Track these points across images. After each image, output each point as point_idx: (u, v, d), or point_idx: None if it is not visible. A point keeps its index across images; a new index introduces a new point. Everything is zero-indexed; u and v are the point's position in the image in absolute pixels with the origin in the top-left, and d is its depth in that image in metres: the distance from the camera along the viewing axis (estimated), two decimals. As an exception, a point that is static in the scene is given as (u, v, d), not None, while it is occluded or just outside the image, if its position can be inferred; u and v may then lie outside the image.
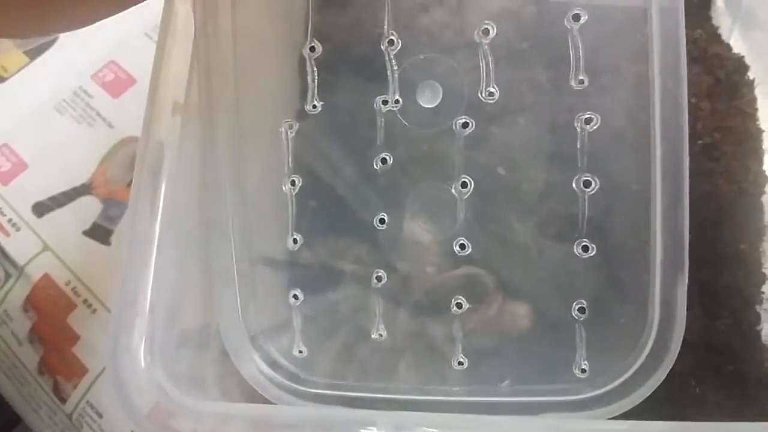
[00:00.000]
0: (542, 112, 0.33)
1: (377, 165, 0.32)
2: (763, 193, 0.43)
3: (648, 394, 0.27)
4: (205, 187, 0.34)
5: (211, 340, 0.37)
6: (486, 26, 0.34)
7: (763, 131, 0.44)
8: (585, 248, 0.29)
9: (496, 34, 0.33)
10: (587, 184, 0.29)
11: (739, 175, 0.43)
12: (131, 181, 0.52)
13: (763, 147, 0.44)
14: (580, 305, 0.29)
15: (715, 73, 0.45)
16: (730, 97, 0.45)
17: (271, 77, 0.41)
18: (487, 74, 0.31)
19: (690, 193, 0.43)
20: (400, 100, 0.32)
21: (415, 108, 0.32)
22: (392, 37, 0.32)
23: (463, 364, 0.30)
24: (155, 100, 0.36)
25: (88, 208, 0.51)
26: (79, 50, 0.57)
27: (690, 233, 0.42)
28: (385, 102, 0.32)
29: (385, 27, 0.32)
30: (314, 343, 0.32)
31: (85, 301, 0.47)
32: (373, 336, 0.31)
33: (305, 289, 0.33)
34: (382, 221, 0.32)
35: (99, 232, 0.50)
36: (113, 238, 0.50)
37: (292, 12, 0.38)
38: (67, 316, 0.47)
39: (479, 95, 0.33)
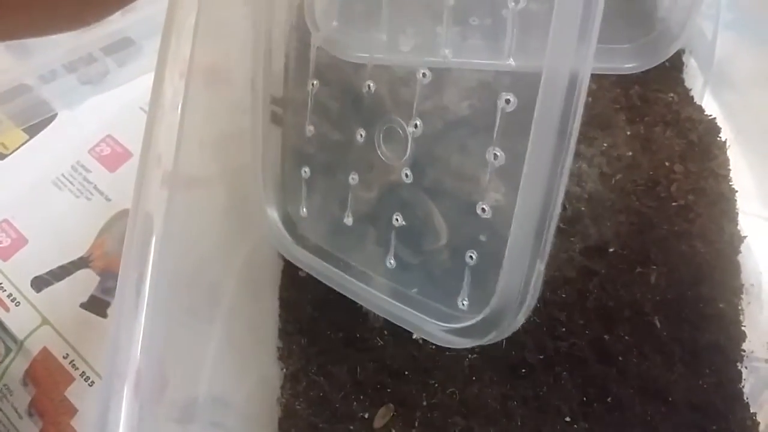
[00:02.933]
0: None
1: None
2: (738, 252, 0.44)
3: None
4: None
5: (199, 414, 0.37)
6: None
7: (737, 192, 0.46)
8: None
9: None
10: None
11: (715, 236, 0.44)
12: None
13: (737, 208, 0.45)
14: (470, 254, 0.31)
15: (688, 136, 0.47)
16: (703, 159, 0.46)
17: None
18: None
19: (668, 253, 0.44)
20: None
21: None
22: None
23: (392, 264, 0.36)
24: (145, 171, 0.37)
25: (86, 281, 0.52)
26: (76, 126, 0.59)
27: (669, 293, 0.44)
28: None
29: None
30: (314, 205, 0.40)
31: (82, 374, 0.48)
32: (344, 220, 0.38)
33: (312, 168, 0.39)
34: (360, 135, 0.36)
35: (96, 305, 0.51)
36: (110, 311, 0.51)
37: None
38: (65, 389, 0.48)
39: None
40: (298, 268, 0.47)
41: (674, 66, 0.51)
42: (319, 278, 0.39)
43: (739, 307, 0.43)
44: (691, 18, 0.46)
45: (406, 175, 0.34)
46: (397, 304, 0.35)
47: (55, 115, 0.59)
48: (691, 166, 0.46)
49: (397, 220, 0.35)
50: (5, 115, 0.58)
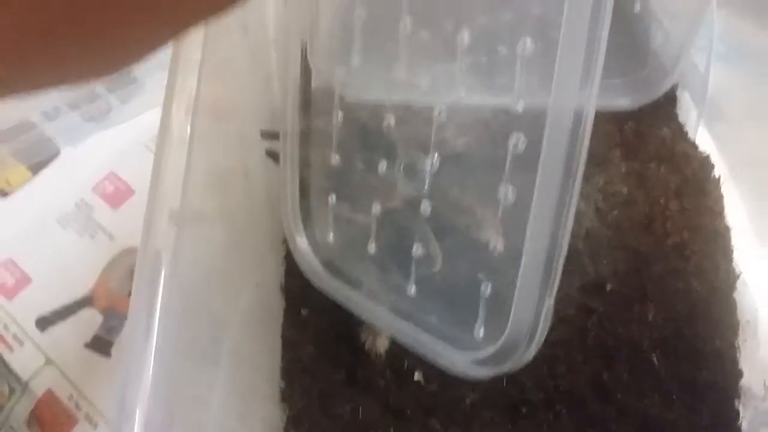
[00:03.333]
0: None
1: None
2: (734, 289, 0.45)
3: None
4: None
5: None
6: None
7: (731, 228, 0.46)
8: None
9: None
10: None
11: (710, 273, 0.45)
12: (131, 292, 0.54)
13: (731, 244, 0.46)
14: (485, 288, 0.33)
15: (683, 173, 0.48)
16: (698, 195, 0.47)
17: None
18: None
19: (664, 291, 0.45)
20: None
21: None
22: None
23: (414, 292, 0.37)
24: (153, 209, 0.38)
25: (90, 321, 0.53)
26: (80, 163, 0.59)
27: (667, 330, 0.44)
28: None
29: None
30: (339, 232, 0.42)
31: (86, 415, 0.49)
32: (368, 248, 0.39)
33: (338, 195, 0.41)
34: (383, 167, 0.38)
35: (100, 344, 0.52)
36: (114, 350, 0.52)
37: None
38: (69, 431, 0.48)
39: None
40: (300, 307, 0.47)
41: (668, 100, 0.52)
42: (344, 305, 0.41)
43: (736, 345, 0.44)
44: (684, 53, 0.47)
45: (425, 209, 0.35)
46: (418, 333, 0.37)
47: (59, 152, 0.60)
48: (686, 202, 0.47)
49: (417, 250, 0.36)
50: (9, 152, 0.59)
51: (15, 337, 0.52)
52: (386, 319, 0.39)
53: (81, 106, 0.59)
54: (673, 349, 0.44)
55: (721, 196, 0.47)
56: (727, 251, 0.46)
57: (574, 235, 0.46)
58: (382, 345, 0.45)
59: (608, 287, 0.45)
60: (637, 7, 0.48)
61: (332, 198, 0.40)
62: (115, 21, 0.18)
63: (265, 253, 0.48)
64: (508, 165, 0.30)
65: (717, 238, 0.46)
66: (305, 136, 0.42)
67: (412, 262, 0.37)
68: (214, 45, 0.40)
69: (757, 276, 0.45)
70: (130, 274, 0.54)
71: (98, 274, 0.54)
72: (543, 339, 0.31)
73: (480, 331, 0.34)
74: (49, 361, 0.51)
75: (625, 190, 0.47)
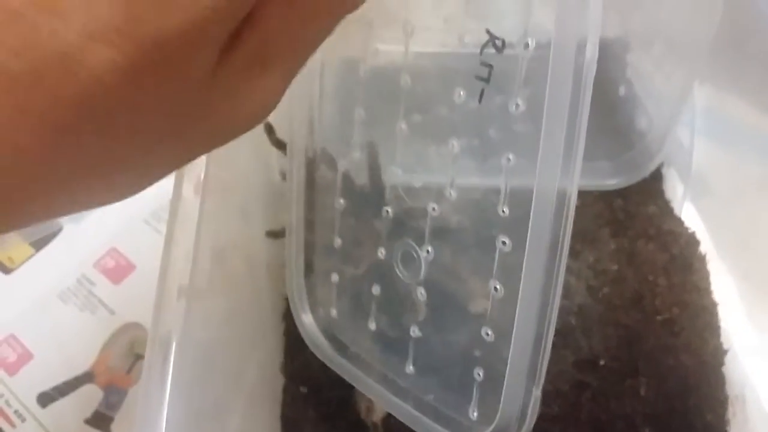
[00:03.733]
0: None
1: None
2: (722, 364, 0.46)
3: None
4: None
5: None
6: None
7: (718, 304, 0.48)
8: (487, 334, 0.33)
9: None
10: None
11: (700, 349, 0.46)
12: (131, 367, 0.55)
13: (719, 320, 0.47)
14: (478, 372, 0.34)
15: (670, 250, 0.49)
16: (685, 272, 0.48)
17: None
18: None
19: (656, 366, 0.46)
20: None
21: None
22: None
23: (411, 371, 0.38)
24: (165, 285, 0.39)
25: (90, 397, 0.53)
26: (81, 239, 0.61)
27: (659, 405, 0.45)
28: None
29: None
30: (342, 309, 0.42)
31: (87, 494, 0.49)
32: (369, 325, 0.40)
33: (340, 275, 0.41)
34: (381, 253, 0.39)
35: (100, 421, 0.52)
36: (114, 426, 0.52)
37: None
38: None
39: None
40: (299, 385, 0.48)
41: (654, 177, 0.54)
42: (348, 380, 0.41)
43: (726, 418, 0.45)
44: (669, 134, 0.49)
45: (421, 294, 0.36)
46: (415, 411, 0.37)
47: (61, 228, 0.61)
48: (674, 279, 0.48)
49: (414, 332, 0.37)
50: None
51: (17, 413, 0.53)
52: (385, 397, 0.39)
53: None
54: (665, 423, 0.45)
55: (707, 273, 0.49)
56: (714, 327, 0.47)
57: (567, 311, 0.48)
58: (378, 415, 0.46)
59: (601, 362, 0.46)
60: (622, 91, 0.51)
61: (335, 276, 0.42)
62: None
63: (265, 331, 0.49)
64: (497, 261, 0.32)
65: (705, 314, 0.47)
66: (309, 218, 0.43)
67: (410, 342, 0.38)
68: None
69: (745, 351, 0.46)
70: (131, 349, 0.55)
71: (99, 349, 0.55)
72: (531, 425, 0.32)
73: (474, 414, 0.34)
74: (50, 438, 0.52)
75: (615, 267, 0.49)
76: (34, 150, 0.17)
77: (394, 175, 0.37)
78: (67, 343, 0.56)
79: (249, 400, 0.46)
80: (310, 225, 0.43)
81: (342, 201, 0.40)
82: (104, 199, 0.21)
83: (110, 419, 0.52)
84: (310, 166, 0.42)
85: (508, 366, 0.31)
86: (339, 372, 0.42)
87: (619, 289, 0.48)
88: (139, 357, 0.54)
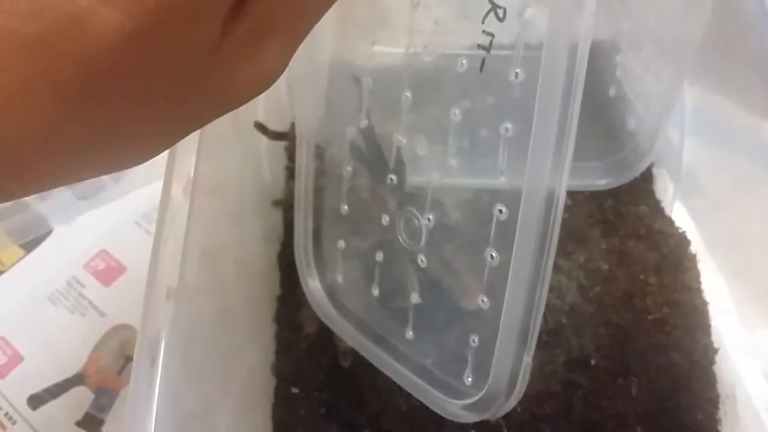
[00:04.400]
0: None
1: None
2: (713, 363, 0.46)
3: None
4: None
5: None
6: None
7: (708, 304, 0.48)
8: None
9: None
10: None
11: (690, 348, 0.46)
12: (122, 369, 0.55)
13: (709, 319, 0.47)
14: (473, 338, 0.34)
15: (660, 249, 0.49)
16: (675, 272, 0.48)
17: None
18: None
19: (647, 365, 0.46)
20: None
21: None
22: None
23: (411, 336, 0.39)
24: (153, 286, 0.39)
25: (80, 399, 0.53)
26: (72, 241, 0.60)
27: (650, 404, 0.45)
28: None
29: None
30: (348, 275, 0.43)
31: (77, 496, 0.49)
32: (372, 291, 0.41)
33: (346, 241, 0.42)
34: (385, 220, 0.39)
35: (91, 423, 0.52)
36: (105, 428, 0.52)
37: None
38: None
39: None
40: (290, 386, 0.48)
41: (644, 178, 0.54)
42: (351, 344, 0.42)
43: (717, 417, 0.45)
44: (659, 134, 0.50)
45: (422, 260, 0.37)
46: (413, 375, 0.38)
47: (52, 230, 0.61)
48: (665, 278, 0.48)
49: (414, 298, 0.38)
50: (2, 231, 0.60)
51: (7, 415, 0.52)
52: (385, 361, 0.40)
53: (75, 185, 0.60)
54: (656, 422, 0.45)
55: (698, 272, 0.49)
56: (705, 326, 0.47)
57: (558, 311, 0.48)
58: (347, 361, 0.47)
59: (593, 362, 0.46)
60: (612, 92, 0.51)
61: (341, 243, 0.42)
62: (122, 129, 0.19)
63: (257, 332, 0.49)
64: (493, 233, 0.32)
65: (695, 314, 0.47)
66: (318, 185, 0.43)
67: (410, 308, 0.39)
68: (210, 131, 0.42)
69: (736, 349, 0.46)
70: (121, 351, 0.55)
71: (89, 351, 0.55)
72: (522, 392, 0.32)
73: (468, 379, 0.35)
74: (40, 440, 0.51)
75: (606, 266, 0.49)
76: (45, 113, 0.17)
77: (398, 143, 0.37)
78: (58, 345, 0.55)
79: (240, 400, 0.45)
80: (318, 192, 0.43)
81: (349, 168, 0.40)
82: (114, 164, 0.21)
83: (101, 421, 0.52)
84: (317, 135, 0.42)
85: (500, 333, 0.31)
86: (343, 337, 0.43)
87: (610, 289, 0.48)
88: (129, 359, 0.54)
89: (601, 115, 0.51)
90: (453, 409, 0.35)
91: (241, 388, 0.46)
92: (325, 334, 0.47)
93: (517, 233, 0.29)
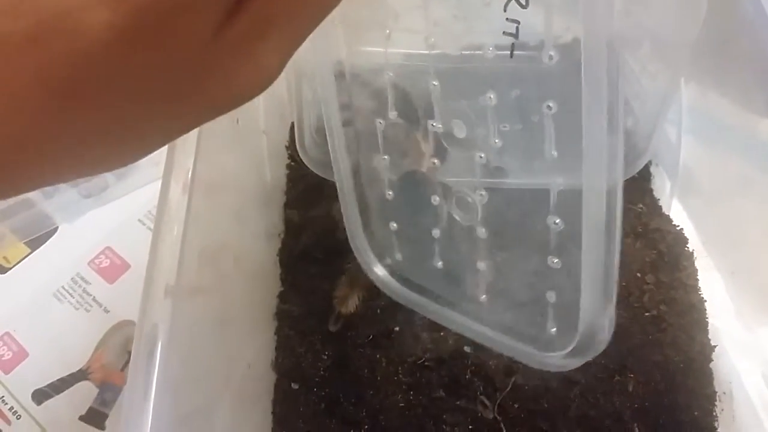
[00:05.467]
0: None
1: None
2: (710, 360, 0.46)
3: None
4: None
5: None
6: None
7: (705, 301, 0.48)
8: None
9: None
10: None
11: (686, 345, 0.46)
12: (125, 365, 0.55)
13: (707, 317, 0.47)
14: (550, 295, 0.35)
15: (657, 247, 0.50)
16: (673, 270, 0.49)
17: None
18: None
19: (643, 363, 0.46)
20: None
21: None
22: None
23: (485, 299, 0.40)
24: (151, 283, 0.40)
25: (85, 394, 0.54)
26: (77, 238, 0.61)
27: (647, 401, 0.46)
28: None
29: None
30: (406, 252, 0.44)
31: (81, 489, 0.50)
32: (435, 264, 0.42)
33: (398, 223, 0.43)
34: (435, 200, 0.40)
35: (94, 417, 0.53)
36: (108, 422, 0.52)
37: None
38: (63, 506, 0.49)
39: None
40: (290, 382, 0.49)
41: (642, 176, 0.54)
42: (427, 316, 0.44)
43: (714, 414, 0.45)
44: (657, 131, 0.50)
45: (482, 232, 0.38)
46: (496, 334, 0.40)
47: (56, 228, 0.62)
48: (662, 276, 0.49)
49: (481, 266, 0.39)
50: (8, 229, 0.61)
51: (12, 410, 0.53)
52: (464, 324, 0.41)
53: (79, 183, 0.61)
54: (653, 419, 0.45)
55: (695, 270, 0.49)
56: (702, 324, 0.47)
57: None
58: (349, 308, 0.48)
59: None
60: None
61: (393, 225, 0.43)
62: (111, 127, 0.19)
63: (257, 329, 0.50)
64: (553, 200, 0.33)
65: (692, 311, 0.47)
66: (357, 177, 0.44)
67: (478, 275, 0.40)
68: (209, 130, 0.42)
69: (733, 347, 0.47)
70: (125, 347, 0.56)
71: (93, 347, 0.56)
72: (610, 336, 0.34)
73: (552, 330, 0.37)
74: (44, 434, 0.52)
75: (603, 264, 0.49)
76: (35, 112, 0.17)
77: (435, 129, 0.38)
78: (62, 341, 0.56)
79: (240, 396, 0.46)
80: (358, 185, 0.44)
81: (386, 158, 0.41)
82: (108, 163, 0.21)
83: (105, 416, 0.53)
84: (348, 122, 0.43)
85: (583, 289, 0.32)
86: (416, 309, 0.44)
87: (608, 286, 0.48)
88: (133, 355, 0.54)
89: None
90: (554, 360, 0.37)
91: (241, 383, 0.47)
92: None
93: (584, 205, 0.30)
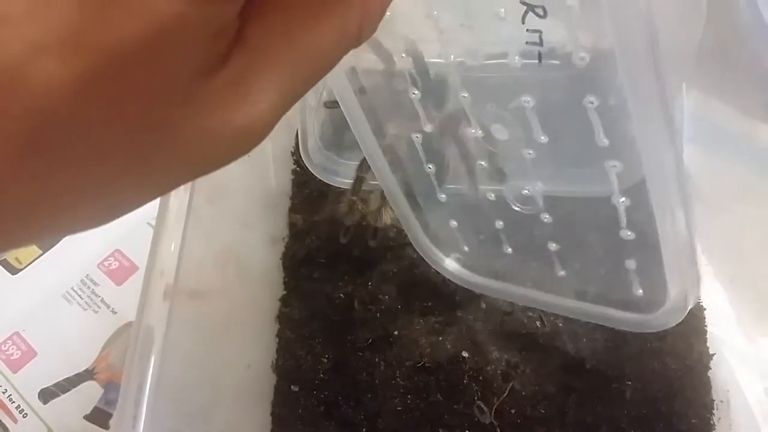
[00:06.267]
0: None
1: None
2: (708, 369, 0.46)
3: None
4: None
5: None
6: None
7: (705, 309, 0.48)
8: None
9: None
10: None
11: (685, 353, 0.46)
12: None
13: (706, 326, 0.47)
14: (629, 263, 0.36)
15: (658, 255, 0.49)
16: (673, 277, 0.48)
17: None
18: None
19: (641, 370, 0.46)
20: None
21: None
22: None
23: (564, 274, 0.41)
24: (149, 285, 0.40)
25: (90, 393, 0.54)
26: (87, 241, 0.62)
27: (644, 408, 0.46)
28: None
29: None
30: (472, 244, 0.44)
31: (84, 487, 0.50)
32: (504, 250, 0.42)
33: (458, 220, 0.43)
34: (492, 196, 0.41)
35: (99, 417, 0.53)
36: (113, 422, 0.53)
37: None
38: (67, 502, 0.50)
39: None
40: (290, 384, 0.49)
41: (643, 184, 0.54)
42: (505, 298, 0.45)
43: (711, 422, 0.45)
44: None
45: (546, 218, 0.39)
46: (578, 302, 0.41)
47: (68, 229, 0.63)
48: (662, 284, 0.48)
49: (552, 246, 0.40)
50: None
51: (18, 408, 0.54)
52: (546, 299, 0.42)
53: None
54: (650, 426, 0.45)
55: (695, 278, 0.49)
56: (701, 332, 0.47)
57: (554, 315, 0.48)
58: (385, 220, 0.49)
59: (587, 366, 0.47)
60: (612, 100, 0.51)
61: (453, 223, 0.44)
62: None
63: (257, 331, 0.50)
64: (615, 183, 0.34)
65: (692, 319, 0.47)
66: (406, 187, 0.45)
67: (552, 254, 0.41)
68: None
69: (732, 356, 0.46)
70: (131, 348, 0.56)
71: (100, 347, 0.57)
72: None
73: (639, 291, 0.38)
74: (50, 432, 0.53)
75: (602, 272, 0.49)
76: None
77: (474, 135, 0.38)
78: (70, 342, 0.57)
79: (240, 397, 0.47)
80: (409, 195, 0.44)
81: (431, 167, 0.41)
82: (65, 229, 0.19)
83: (109, 415, 0.54)
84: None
85: (665, 255, 0.33)
86: (496, 295, 0.45)
87: (607, 293, 0.48)
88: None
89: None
90: (656, 321, 0.38)
91: (241, 385, 0.47)
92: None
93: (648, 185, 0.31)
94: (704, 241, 0.50)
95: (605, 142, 0.32)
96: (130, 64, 0.15)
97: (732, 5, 0.41)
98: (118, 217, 0.19)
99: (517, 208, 0.40)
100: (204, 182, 0.44)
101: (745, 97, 0.44)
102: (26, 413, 0.54)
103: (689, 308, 0.36)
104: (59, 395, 0.55)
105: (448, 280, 0.50)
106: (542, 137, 0.36)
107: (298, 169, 0.57)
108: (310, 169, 0.52)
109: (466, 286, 0.45)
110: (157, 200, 0.63)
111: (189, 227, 0.42)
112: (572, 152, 0.37)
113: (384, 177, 0.42)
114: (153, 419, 0.36)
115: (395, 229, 0.51)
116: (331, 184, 0.53)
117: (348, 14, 0.19)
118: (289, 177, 0.57)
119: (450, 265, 0.45)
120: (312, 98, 0.50)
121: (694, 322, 0.47)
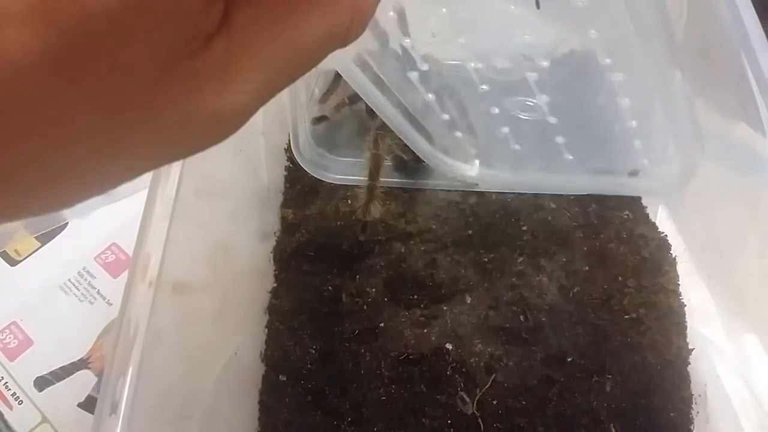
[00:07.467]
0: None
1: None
2: (687, 364, 0.47)
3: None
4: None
5: None
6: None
7: (685, 305, 0.49)
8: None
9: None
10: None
11: (664, 348, 0.47)
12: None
13: (686, 321, 0.48)
14: (636, 142, 0.45)
15: (641, 253, 0.50)
16: (655, 274, 0.50)
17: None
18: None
19: (622, 364, 0.47)
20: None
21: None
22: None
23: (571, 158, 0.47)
24: (134, 276, 0.41)
25: (84, 382, 0.56)
26: (85, 234, 0.64)
27: (624, 401, 0.46)
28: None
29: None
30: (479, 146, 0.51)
31: (76, 473, 0.51)
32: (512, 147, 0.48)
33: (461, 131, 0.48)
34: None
35: (93, 405, 0.54)
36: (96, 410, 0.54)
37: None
38: (59, 487, 0.51)
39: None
40: (278, 374, 0.50)
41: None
42: (517, 190, 0.53)
43: (690, 416, 0.46)
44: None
45: (552, 119, 0.44)
46: (594, 176, 0.48)
47: (66, 224, 0.64)
48: (643, 281, 0.49)
49: (559, 139, 0.45)
50: (20, 223, 0.63)
51: (14, 395, 0.55)
52: (560, 183, 0.49)
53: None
54: (630, 419, 0.46)
55: (676, 275, 0.50)
56: (681, 327, 0.48)
57: (538, 309, 0.49)
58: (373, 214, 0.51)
59: (569, 359, 0.48)
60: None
61: (458, 134, 0.48)
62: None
63: (247, 322, 0.51)
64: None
65: (672, 315, 0.48)
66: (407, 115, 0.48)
67: (560, 144, 0.46)
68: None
69: (711, 351, 0.47)
70: (125, 338, 0.57)
71: (95, 338, 0.58)
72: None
73: (645, 161, 0.45)
74: (44, 419, 0.54)
75: (586, 268, 0.50)
76: None
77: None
78: (66, 332, 0.58)
79: (229, 386, 0.48)
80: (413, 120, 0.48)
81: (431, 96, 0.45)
82: (39, 208, 0.18)
83: (102, 404, 0.55)
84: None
85: (674, 133, 0.42)
86: (506, 187, 0.53)
87: (589, 289, 0.49)
88: (131, 345, 0.56)
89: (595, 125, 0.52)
90: (669, 180, 0.47)
91: (230, 374, 0.48)
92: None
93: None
94: (688, 240, 0.51)
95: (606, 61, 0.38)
96: (105, 35, 0.14)
97: (711, 5, 0.42)
98: (84, 200, 0.18)
99: (522, 117, 0.45)
100: (193, 176, 0.45)
101: (724, 96, 0.45)
102: (21, 400, 0.55)
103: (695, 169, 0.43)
104: (54, 383, 0.56)
105: (434, 274, 0.51)
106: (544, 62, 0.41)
107: (291, 165, 0.58)
108: (300, 164, 0.53)
109: (487, 188, 0.52)
110: (145, 193, 0.65)
111: (175, 220, 0.43)
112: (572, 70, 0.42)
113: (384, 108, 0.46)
114: (134, 407, 0.36)
115: (383, 224, 0.52)
116: (322, 179, 0.55)
117: (337, 13, 0.19)
118: (282, 173, 0.58)
119: (468, 170, 0.52)
120: (303, 95, 0.52)
121: (674, 318, 0.48)
